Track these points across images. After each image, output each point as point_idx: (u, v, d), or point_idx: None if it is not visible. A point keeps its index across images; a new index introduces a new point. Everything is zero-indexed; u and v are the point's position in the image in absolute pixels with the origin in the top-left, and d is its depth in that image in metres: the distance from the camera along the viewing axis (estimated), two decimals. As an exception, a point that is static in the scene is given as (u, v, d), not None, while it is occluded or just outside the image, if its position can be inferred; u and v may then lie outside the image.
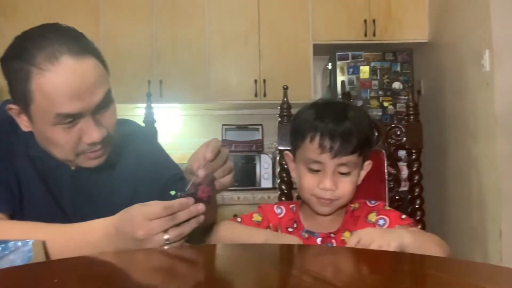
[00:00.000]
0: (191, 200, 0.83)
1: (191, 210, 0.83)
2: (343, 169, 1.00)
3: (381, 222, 1.03)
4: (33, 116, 0.95)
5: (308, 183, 1.02)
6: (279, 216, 1.09)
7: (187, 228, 0.83)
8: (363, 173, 1.06)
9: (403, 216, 1.04)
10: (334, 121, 0.99)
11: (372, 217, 1.04)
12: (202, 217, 0.85)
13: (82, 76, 0.91)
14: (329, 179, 0.99)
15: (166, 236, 0.81)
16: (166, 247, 0.81)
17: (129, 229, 0.81)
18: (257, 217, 1.08)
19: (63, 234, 0.87)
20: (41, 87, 0.90)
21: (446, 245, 0.94)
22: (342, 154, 0.98)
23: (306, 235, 1.05)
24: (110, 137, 1.00)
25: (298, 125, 1.05)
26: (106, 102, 0.97)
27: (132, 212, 0.83)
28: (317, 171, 1.01)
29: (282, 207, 1.11)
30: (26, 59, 0.90)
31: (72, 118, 0.92)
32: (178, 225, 0.82)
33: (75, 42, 0.92)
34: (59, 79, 0.89)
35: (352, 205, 1.08)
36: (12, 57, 0.93)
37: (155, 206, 0.81)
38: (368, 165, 1.07)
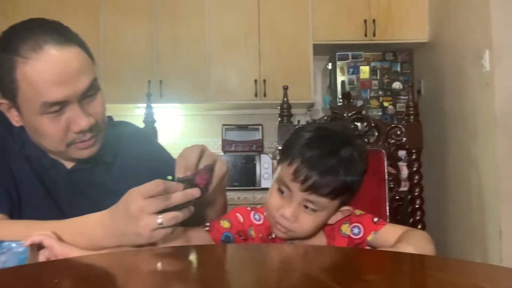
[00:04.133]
0: (180, 185, 0.83)
1: (186, 193, 0.83)
2: (310, 205, 0.94)
3: (355, 230, 0.98)
4: (21, 108, 0.95)
5: (273, 202, 0.97)
6: (257, 223, 1.03)
7: (180, 214, 0.83)
8: (338, 216, 0.99)
9: (375, 219, 0.99)
10: (320, 155, 0.93)
11: (346, 228, 0.99)
12: (192, 208, 0.85)
13: (66, 63, 0.92)
14: (291, 208, 0.93)
15: (159, 220, 0.80)
16: (159, 232, 0.81)
17: (123, 209, 0.81)
18: (224, 223, 1.01)
19: (58, 229, 0.87)
20: (25, 76, 0.91)
21: (430, 239, 0.92)
22: (312, 192, 0.92)
23: None
24: (100, 127, 1.00)
25: (290, 141, 0.99)
26: (93, 91, 0.97)
27: (126, 194, 0.83)
28: (284, 193, 0.95)
29: (259, 213, 1.04)
30: (11, 50, 0.92)
31: (59, 106, 0.93)
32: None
33: (59, 33, 0.94)
34: (43, 67, 0.91)
35: None
36: None
37: (148, 184, 0.81)
38: (346, 211, 0.98)
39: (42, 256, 0.81)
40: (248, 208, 1.05)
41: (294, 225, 0.94)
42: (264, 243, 1.01)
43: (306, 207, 0.94)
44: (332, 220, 0.99)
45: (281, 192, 0.95)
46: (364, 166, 0.98)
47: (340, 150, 0.93)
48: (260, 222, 1.03)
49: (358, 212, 1.03)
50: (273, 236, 1.01)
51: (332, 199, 0.94)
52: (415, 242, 0.90)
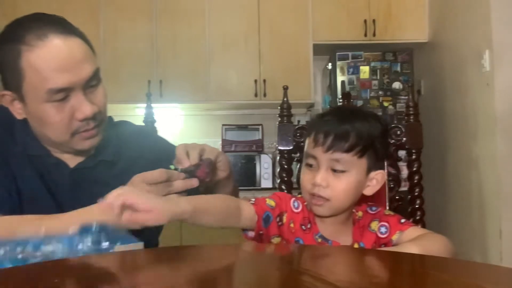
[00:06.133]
0: (181, 175, 0.91)
1: (186, 182, 0.91)
2: (337, 166, 0.97)
3: (382, 230, 1.01)
4: (25, 97, 0.97)
5: (304, 178, 1.02)
6: (295, 210, 1.05)
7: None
8: (373, 184, 1.02)
9: (403, 220, 1.02)
10: (333, 119, 1.00)
11: (375, 225, 1.03)
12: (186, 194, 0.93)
13: (69, 51, 0.95)
14: (320, 174, 0.98)
15: None
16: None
17: None
18: (270, 202, 1.04)
19: (63, 220, 0.90)
20: (31, 63, 0.93)
21: (449, 244, 0.93)
22: (335, 150, 0.97)
23: (320, 240, 1.02)
24: (102, 116, 1.02)
25: (311, 121, 1.07)
26: (95, 81, 1.00)
27: (131, 181, 0.90)
28: (312, 166, 1.00)
29: (299, 202, 1.07)
30: (16, 40, 0.94)
31: (64, 94, 0.95)
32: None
33: (61, 25, 0.98)
34: (48, 54, 0.93)
35: (357, 214, 1.06)
36: (2, 42, 0.96)
37: (153, 172, 0.89)
38: (377, 175, 1.02)
39: (124, 218, 0.77)
40: (290, 195, 1.10)
41: (327, 192, 0.98)
42: (289, 233, 1.03)
43: (334, 171, 0.98)
44: (369, 191, 1.02)
45: (310, 166, 1.01)
46: (382, 128, 1.03)
47: (353, 114, 1.02)
48: (298, 211, 1.06)
49: (387, 212, 1.06)
50: (309, 226, 1.03)
51: (358, 157, 0.98)
52: (423, 243, 0.91)
